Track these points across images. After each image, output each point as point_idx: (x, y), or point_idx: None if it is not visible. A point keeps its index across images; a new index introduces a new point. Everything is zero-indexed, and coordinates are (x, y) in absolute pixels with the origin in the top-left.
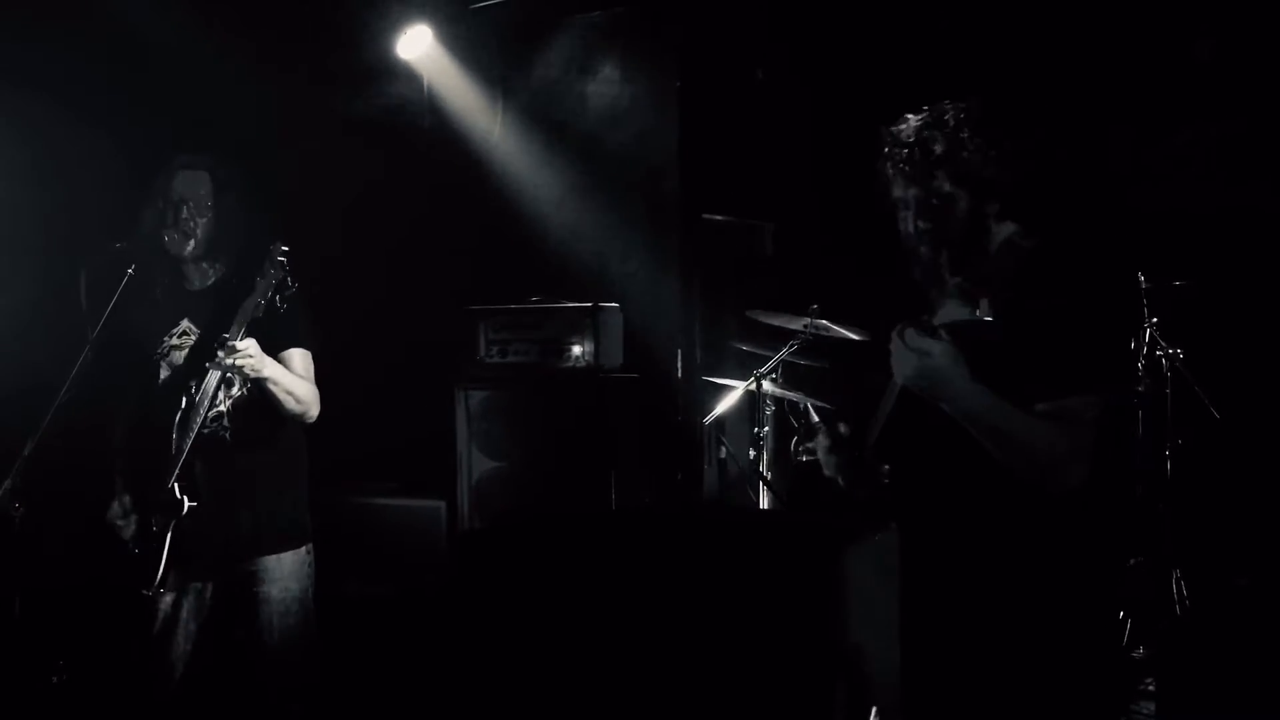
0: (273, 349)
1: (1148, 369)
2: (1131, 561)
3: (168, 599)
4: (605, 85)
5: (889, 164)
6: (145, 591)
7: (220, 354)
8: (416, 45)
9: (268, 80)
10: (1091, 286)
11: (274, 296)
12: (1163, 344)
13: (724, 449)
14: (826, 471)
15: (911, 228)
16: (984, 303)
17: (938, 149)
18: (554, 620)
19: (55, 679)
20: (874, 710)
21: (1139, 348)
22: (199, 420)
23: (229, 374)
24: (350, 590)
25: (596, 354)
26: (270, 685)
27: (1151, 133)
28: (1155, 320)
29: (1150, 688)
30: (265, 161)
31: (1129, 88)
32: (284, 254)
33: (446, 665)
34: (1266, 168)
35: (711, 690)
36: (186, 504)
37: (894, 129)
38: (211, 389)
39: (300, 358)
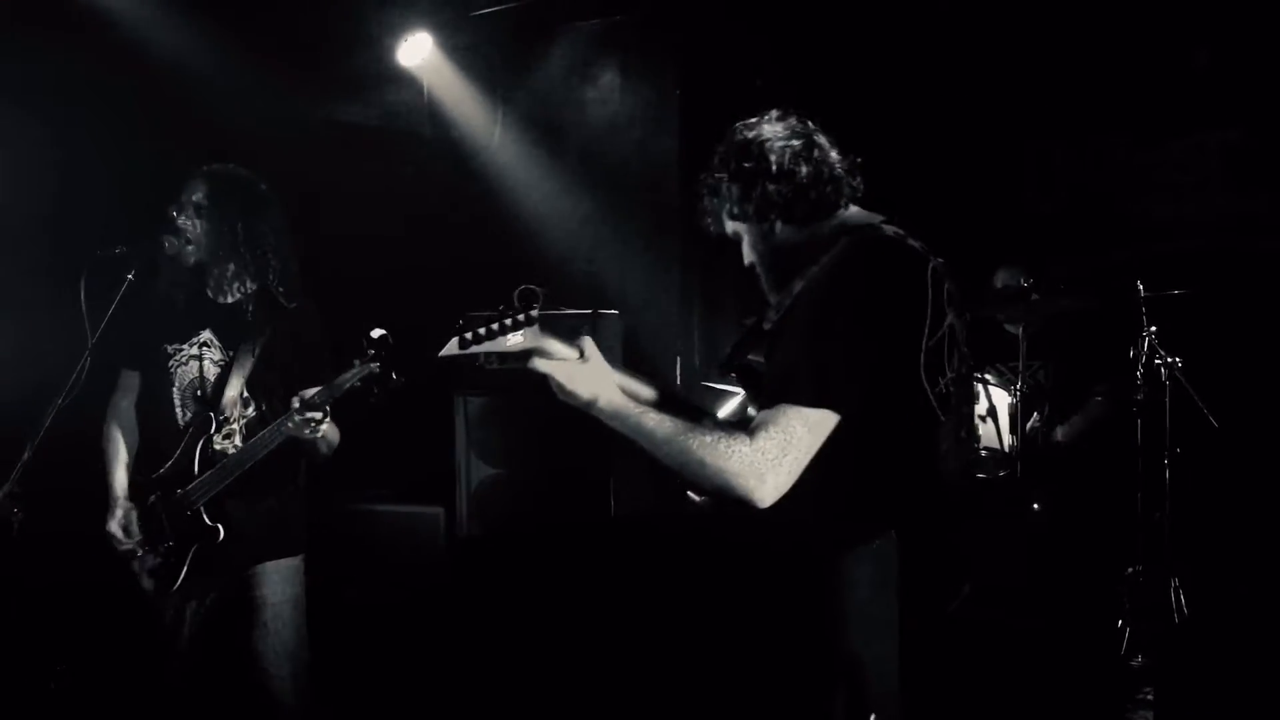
0: (296, 387)
1: (1146, 377)
2: (1130, 570)
3: (172, 607)
4: (605, 93)
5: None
6: (160, 600)
7: (297, 419)
8: (417, 52)
9: (268, 86)
10: (822, 292)
11: (371, 387)
12: (1161, 353)
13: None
14: None
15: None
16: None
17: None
18: (552, 627)
19: (53, 684)
20: (871, 718)
21: (1137, 356)
22: (218, 440)
23: (301, 434)
24: (349, 596)
25: None
26: (268, 692)
27: (1150, 142)
28: (1154, 329)
29: (1149, 696)
30: (265, 167)
31: (1127, 98)
32: (386, 344)
33: (445, 671)
34: (1264, 176)
35: (709, 698)
36: (222, 532)
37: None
38: (236, 412)
39: None
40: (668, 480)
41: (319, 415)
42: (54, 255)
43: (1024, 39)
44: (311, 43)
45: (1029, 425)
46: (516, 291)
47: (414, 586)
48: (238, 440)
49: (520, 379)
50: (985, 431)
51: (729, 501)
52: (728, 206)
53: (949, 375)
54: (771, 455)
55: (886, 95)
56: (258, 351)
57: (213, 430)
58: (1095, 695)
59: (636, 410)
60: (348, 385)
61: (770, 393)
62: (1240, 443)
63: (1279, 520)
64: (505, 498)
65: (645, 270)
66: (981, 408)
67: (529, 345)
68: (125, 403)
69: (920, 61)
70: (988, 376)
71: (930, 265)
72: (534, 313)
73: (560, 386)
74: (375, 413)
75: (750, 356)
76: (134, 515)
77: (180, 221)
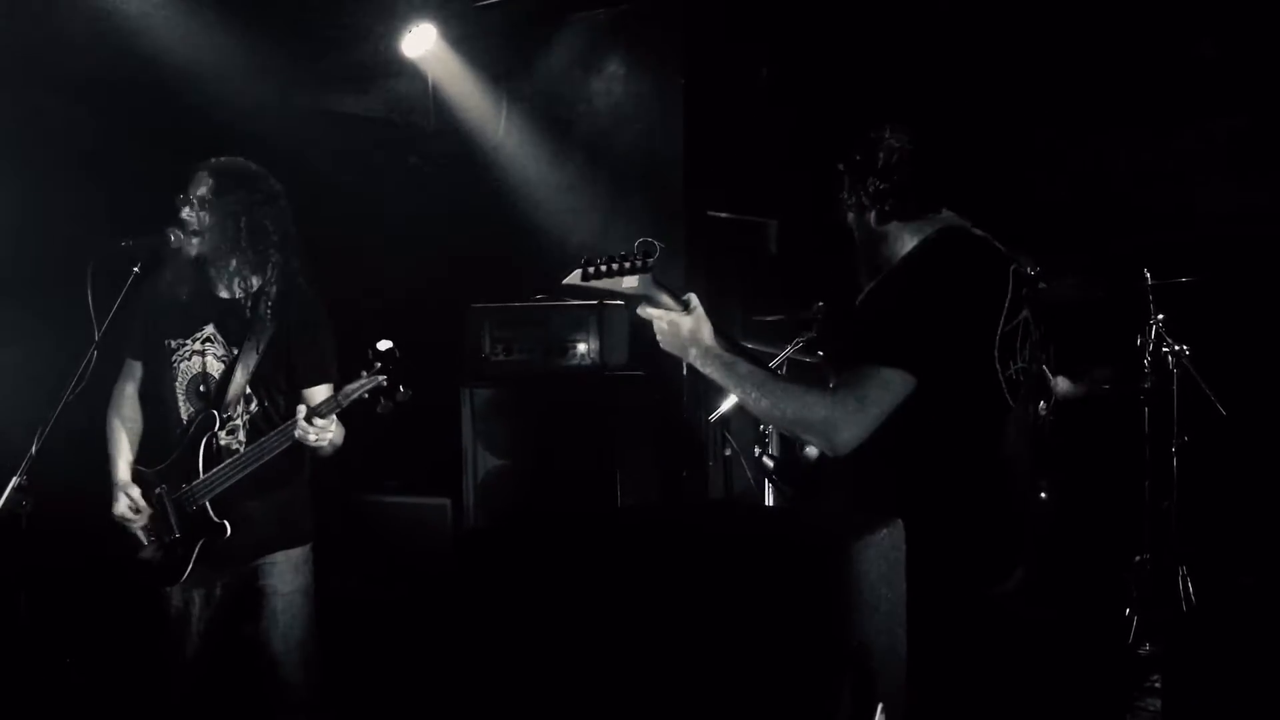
0: (300, 384)
1: (1154, 365)
2: (1137, 558)
3: (180, 598)
4: (609, 83)
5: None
6: (166, 589)
7: (304, 426)
8: (421, 43)
9: (271, 77)
10: (911, 270)
11: (379, 398)
12: (1169, 340)
13: (729, 446)
14: None
15: None
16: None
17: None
18: (559, 618)
19: (69, 665)
20: (879, 707)
21: (1144, 344)
22: (222, 436)
23: (308, 443)
24: (356, 588)
25: (601, 352)
26: (277, 681)
27: (1157, 131)
28: (1161, 317)
29: (1156, 684)
30: (267, 158)
31: (1134, 86)
32: (393, 356)
33: (451, 663)
34: (1271, 164)
35: (716, 688)
36: (228, 528)
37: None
38: (240, 409)
39: (326, 393)
40: (673, 478)
41: (325, 423)
42: (57, 248)
43: (1030, 29)
44: (315, 34)
45: (1037, 413)
46: (637, 242)
47: (420, 577)
48: (242, 436)
49: (525, 371)
50: None
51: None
52: (844, 196)
53: (1020, 364)
54: (850, 408)
55: (892, 85)
56: (262, 348)
57: (216, 427)
58: (1103, 683)
59: (730, 359)
60: (354, 397)
61: (854, 353)
62: (1248, 431)
63: None
64: (511, 489)
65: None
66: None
67: (641, 291)
68: (129, 392)
69: (927, 51)
70: None
71: (1013, 265)
72: (651, 260)
73: (663, 331)
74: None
75: (832, 338)
76: (137, 494)
77: (185, 214)
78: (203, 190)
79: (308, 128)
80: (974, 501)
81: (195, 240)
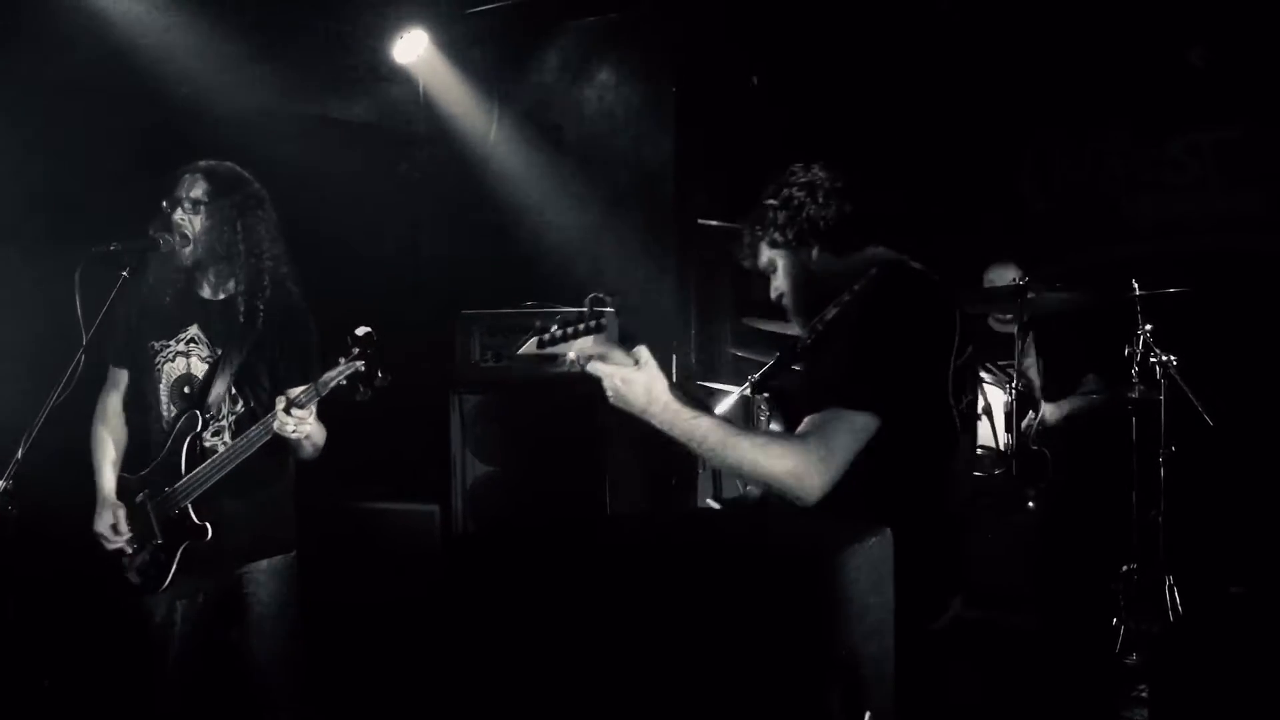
0: (284, 385)
1: (1141, 375)
2: (1125, 568)
3: (164, 608)
4: (601, 90)
5: None
6: (149, 599)
7: (283, 417)
8: (412, 49)
9: (263, 82)
10: (864, 310)
11: (357, 385)
12: (1157, 350)
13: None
14: None
15: None
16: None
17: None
18: (548, 625)
19: (45, 684)
20: (867, 715)
21: (1132, 354)
22: (206, 438)
23: (286, 435)
24: (343, 594)
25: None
26: (262, 690)
27: (1146, 140)
28: (1149, 327)
29: (1143, 694)
30: (258, 163)
31: (1124, 96)
32: (371, 341)
33: (439, 670)
34: (1260, 174)
35: (704, 695)
36: (209, 530)
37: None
38: (224, 409)
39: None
40: (661, 479)
41: (304, 414)
42: (45, 251)
43: (1021, 36)
44: (306, 39)
45: (1024, 424)
46: (589, 298)
47: (409, 584)
48: (227, 437)
49: (514, 376)
50: (980, 429)
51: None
52: (771, 233)
53: (968, 397)
54: (817, 457)
55: (883, 93)
56: (246, 348)
57: (199, 427)
58: (1090, 693)
59: (689, 415)
60: (333, 383)
61: (814, 401)
62: (1235, 441)
63: (1273, 518)
64: (500, 495)
65: (642, 267)
66: (977, 406)
67: (593, 350)
68: (114, 401)
69: (917, 59)
70: (982, 375)
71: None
72: (604, 320)
73: (616, 389)
74: (370, 410)
75: (777, 380)
76: (122, 514)
77: (178, 219)
78: (197, 194)
79: (298, 132)
80: (918, 538)
81: (190, 247)
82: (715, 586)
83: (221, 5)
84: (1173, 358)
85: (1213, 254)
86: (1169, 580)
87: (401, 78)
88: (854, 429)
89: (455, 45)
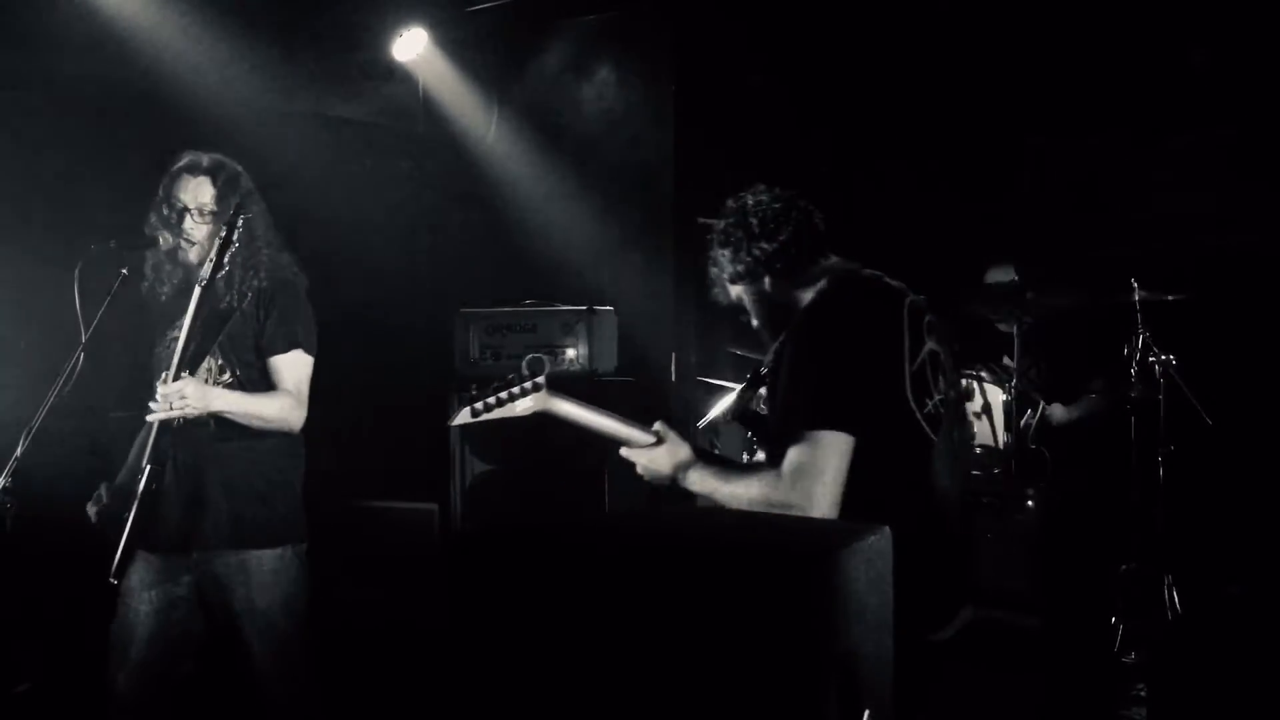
0: (268, 351)
1: (1141, 375)
2: (1123, 567)
3: (132, 592)
4: (600, 89)
5: None
6: (110, 580)
7: (158, 400)
8: (412, 47)
9: (261, 80)
10: (800, 332)
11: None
12: (1155, 350)
13: (717, 452)
14: None
15: None
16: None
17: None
18: (547, 625)
19: (21, 690)
20: (865, 715)
21: (1131, 354)
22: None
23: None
24: (343, 593)
25: (591, 357)
26: (257, 685)
27: (1145, 141)
28: (1148, 327)
29: (1142, 693)
30: (256, 161)
31: (1123, 96)
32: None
33: (439, 668)
34: (1261, 175)
35: (703, 695)
36: (141, 485)
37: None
38: (210, 378)
39: (287, 366)
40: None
41: (166, 389)
42: (44, 250)
43: (1021, 36)
44: (305, 36)
45: (1023, 423)
46: (525, 360)
47: (408, 582)
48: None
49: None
50: (980, 429)
51: None
52: (727, 271)
53: (936, 398)
54: (807, 482)
55: (883, 92)
56: (234, 319)
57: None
58: (1089, 691)
59: (718, 472)
60: (198, 327)
61: (781, 433)
62: (1234, 440)
63: (1272, 517)
64: (499, 494)
65: (641, 266)
66: (976, 405)
67: (539, 408)
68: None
69: (917, 58)
70: (982, 373)
71: (907, 300)
72: (541, 380)
73: (645, 468)
74: (370, 409)
75: (752, 404)
76: (103, 491)
77: (187, 226)
78: (205, 200)
79: (298, 131)
80: (907, 547)
81: (196, 246)
82: (713, 585)
83: (221, 4)
84: (1172, 357)
85: (1213, 253)
86: (1167, 579)
87: (401, 76)
88: (825, 447)
89: (455, 43)
